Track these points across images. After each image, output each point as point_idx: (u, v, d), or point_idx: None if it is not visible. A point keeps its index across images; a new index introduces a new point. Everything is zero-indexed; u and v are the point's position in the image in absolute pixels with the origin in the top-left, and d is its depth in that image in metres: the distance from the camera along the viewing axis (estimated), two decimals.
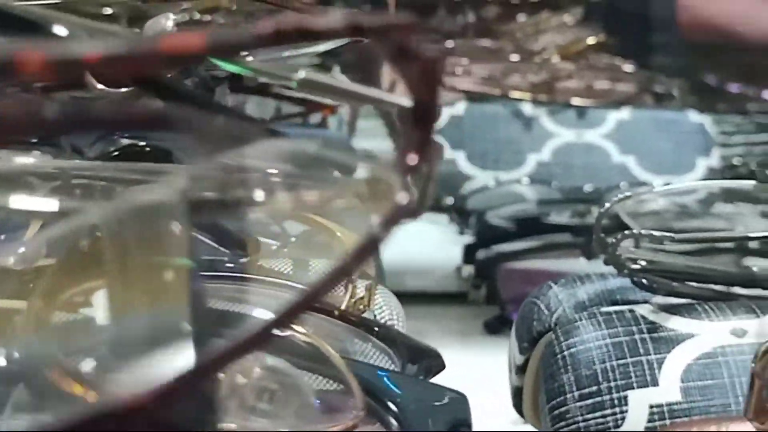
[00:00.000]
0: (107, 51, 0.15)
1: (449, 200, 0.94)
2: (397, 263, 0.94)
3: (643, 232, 0.46)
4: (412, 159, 0.19)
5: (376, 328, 0.40)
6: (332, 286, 0.19)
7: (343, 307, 0.42)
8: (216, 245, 0.30)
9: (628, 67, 1.08)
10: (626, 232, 0.47)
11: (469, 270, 0.80)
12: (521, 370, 0.50)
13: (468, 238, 0.86)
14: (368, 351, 0.39)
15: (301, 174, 0.19)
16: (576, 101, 1.02)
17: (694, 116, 1.03)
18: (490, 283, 0.79)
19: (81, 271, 0.23)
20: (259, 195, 0.19)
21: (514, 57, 1.08)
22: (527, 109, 1.02)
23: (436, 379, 0.42)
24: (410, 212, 0.19)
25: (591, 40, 1.06)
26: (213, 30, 0.16)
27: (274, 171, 0.19)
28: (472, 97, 1.03)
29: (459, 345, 0.73)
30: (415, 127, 0.19)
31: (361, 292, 0.45)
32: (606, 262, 0.48)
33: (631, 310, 0.47)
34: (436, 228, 0.95)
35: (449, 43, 1.20)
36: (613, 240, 0.47)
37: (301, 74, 0.23)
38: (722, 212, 0.55)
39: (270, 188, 0.19)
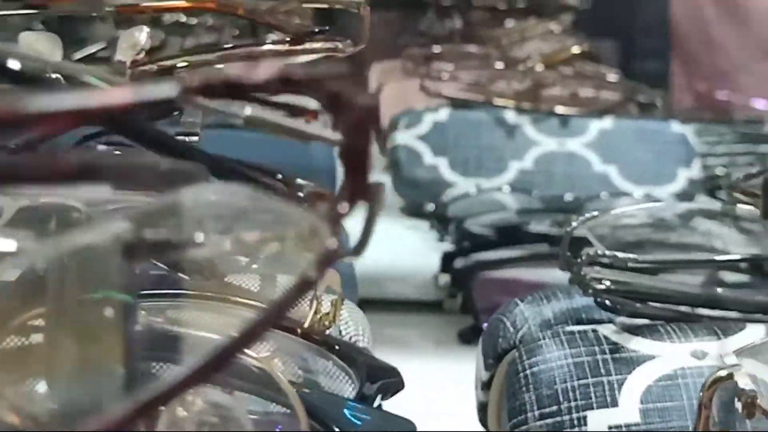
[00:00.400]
0: (37, 110, 0.15)
1: (430, 207, 0.95)
2: (376, 270, 0.95)
3: (607, 253, 0.47)
4: (344, 207, 0.19)
5: (337, 347, 0.40)
6: (262, 329, 0.19)
7: (307, 323, 0.42)
8: (172, 271, 0.30)
9: (613, 77, 1.08)
10: (590, 253, 0.48)
11: (445, 278, 0.80)
12: (486, 386, 0.50)
13: (447, 246, 0.87)
14: (329, 370, 0.39)
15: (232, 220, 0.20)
16: (559, 110, 1.03)
17: (676, 126, 1.03)
18: (465, 292, 0.79)
19: (27, 300, 0.24)
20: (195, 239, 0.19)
21: (499, 64, 1.08)
22: (510, 116, 1.02)
23: (407, 394, 0.42)
24: (340, 255, 0.20)
25: (576, 49, 1.06)
26: (140, 85, 0.16)
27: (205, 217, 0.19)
28: (456, 103, 1.04)
29: (433, 354, 0.74)
30: (350, 174, 0.20)
31: (326, 308, 0.45)
32: (571, 282, 0.48)
33: (594, 330, 0.47)
34: (417, 235, 0.96)
35: (436, 48, 1.20)
36: (579, 260, 0.48)
37: (247, 111, 0.23)
38: (695, 231, 0.55)
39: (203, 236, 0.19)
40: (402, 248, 0.94)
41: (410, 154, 1.00)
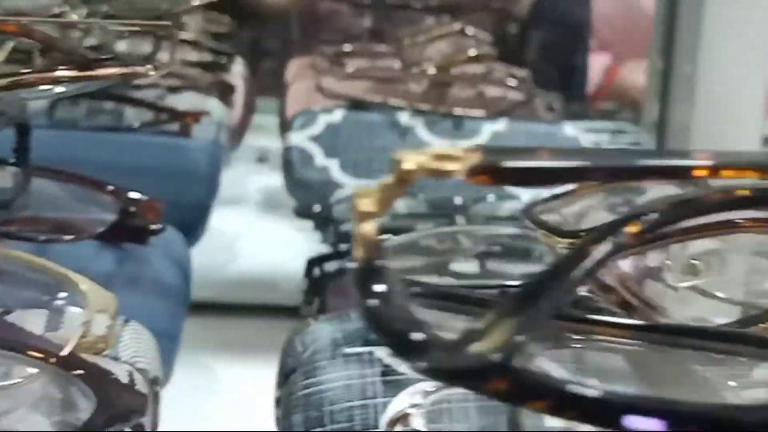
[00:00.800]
0: None
1: (317, 208, 0.96)
2: (252, 273, 0.96)
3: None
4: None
5: (84, 370, 0.41)
6: None
7: (67, 349, 0.43)
8: None
9: (512, 81, 1.09)
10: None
11: (306, 283, 0.82)
12: (277, 403, 0.52)
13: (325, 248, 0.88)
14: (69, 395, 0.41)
15: None
16: (456, 111, 1.04)
17: (569, 129, 1.04)
18: (321, 298, 0.80)
19: None
20: None
21: (399, 64, 1.09)
22: (404, 118, 1.03)
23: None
24: None
25: (474, 51, 1.07)
26: None
27: None
28: (352, 104, 1.05)
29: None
30: None
31: (101, 330, 0.46)
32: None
33: (371, 352, 0.48)
34: (307, 237, 0.97)
35: (347, 47, 1.21)
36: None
37: None
38: (489, 254, 0.56)
39: None
40: (288, 251, 0.96)
41: (302, 155, 1.01)
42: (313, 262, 0.84)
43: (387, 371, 0.48)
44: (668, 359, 0.34)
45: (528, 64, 1.27)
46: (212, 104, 1.03)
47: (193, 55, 1.17)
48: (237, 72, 1.20)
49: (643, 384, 0.35)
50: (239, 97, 1.16)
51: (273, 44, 1.55)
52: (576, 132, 1.04)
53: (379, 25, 1.27)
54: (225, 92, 1.10)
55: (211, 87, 1.09)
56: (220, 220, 0.95)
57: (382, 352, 0.48)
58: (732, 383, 0.33)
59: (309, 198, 0.98)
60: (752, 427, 0.23)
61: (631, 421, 0.23)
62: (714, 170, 0.26)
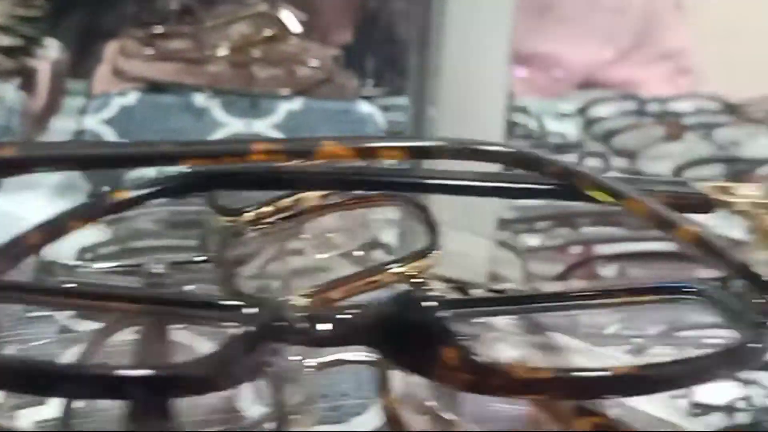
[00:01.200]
0: None
1: (107, 189, 0.96)
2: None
3: (50, 260, 0.49)
4: None
5: None
6: None
7: None
8: None
9: (315, 61, 1.10)
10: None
11: None
12: None
13: None
14: None
15: None
16: (251, 91, 1.04)
17: (365, 106, 1.06)
18: None
19: None
20: None
21: (200, 45, 1.10)
22: (200, 100, 1.03)
23: None
24: None
25: (269, 32, 1.08)
26: None
27: None
28: (150, 86, 1.05)
29: None
30: None
31: None
32: None
33: None
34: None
35: (157, 29, 1.21)
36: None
37: None
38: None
39: None
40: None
41: (95, 138, 1.01)
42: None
43: None
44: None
45: (343, 45, 1.28)
46: (5, 90, 1.02)
47: (4, 41, 1.16)
48: (46, 56, 1.19)
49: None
50: (45, 82, 1.15)
51: (104, 25, 1.54)
52: (371, 109, 1.06)
53: (193, 6, 1.26)
54: (26, 77, 1.10)
55: (11, 72, 1.08)
56: (12, 203, 0.94)
57: None
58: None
59: (98, 183, 0.98)
60: None
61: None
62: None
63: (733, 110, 1.52)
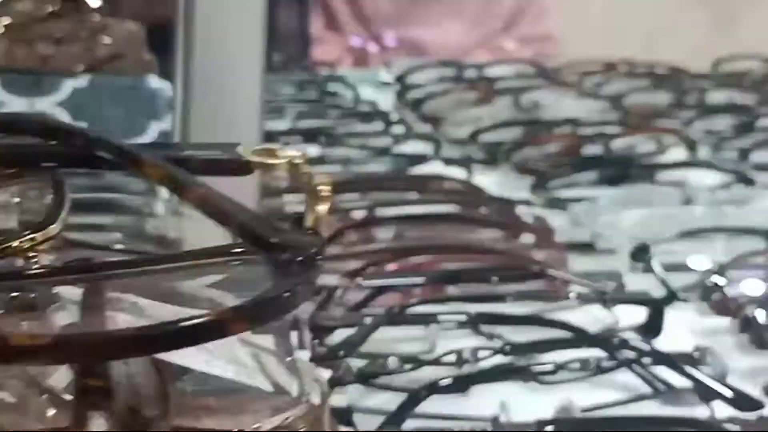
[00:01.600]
0: None
1: None
2: None
3: None
4: None
5: None
6: None
7: None
8: None
9: (107, 39, 1.08)
10: None
11: None
12: None
13: None
14: None
15: None
16: (35, 69, 1.02)
17: (154, 82, 1.04)
18: None
19: None
20: None
21: None
22: None
23: None
24: None
25: (52, 8, 1.05)
26: None
27: None
28: None
29: None
30: None
31: None
32: None
33: None
34: None
35: None
36: None
37: None
38: None
39: None
40: None
41: None
42: None
43: None
44: None
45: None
46: None
47: None
48: None
49: None
50: None
51: None
52: (161, 84, 1.04)
53: None
54: None
55: None
56: None
57: None
58: None
59: None
60: None
61: None
62: None
63: (547, 75, 1.54)
